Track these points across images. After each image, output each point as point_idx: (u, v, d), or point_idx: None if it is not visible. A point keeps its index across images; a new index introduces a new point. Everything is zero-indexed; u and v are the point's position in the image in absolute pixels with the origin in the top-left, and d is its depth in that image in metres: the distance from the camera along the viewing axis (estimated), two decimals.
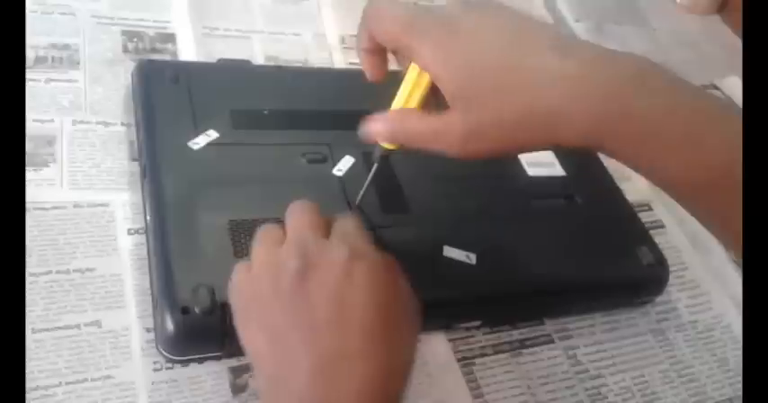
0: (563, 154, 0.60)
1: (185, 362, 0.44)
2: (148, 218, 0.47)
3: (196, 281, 0.42)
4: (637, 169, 0.35)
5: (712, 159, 0.33)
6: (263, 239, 0.39)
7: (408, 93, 0.39)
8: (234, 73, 0.58)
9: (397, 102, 0.40)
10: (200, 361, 0.44)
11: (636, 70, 0.34)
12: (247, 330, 0.36)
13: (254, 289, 0.36)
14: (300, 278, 0.35)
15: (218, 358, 0.44)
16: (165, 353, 0.43)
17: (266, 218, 0.47)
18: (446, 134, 0.36)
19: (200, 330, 0.42)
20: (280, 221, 0.40)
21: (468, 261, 0.50)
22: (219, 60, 0.60)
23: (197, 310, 0.41)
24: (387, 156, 0.43)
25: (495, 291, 0.50)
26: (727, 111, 0.34)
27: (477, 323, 0.51)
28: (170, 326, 0.41)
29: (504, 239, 0.53)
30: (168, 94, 0.53)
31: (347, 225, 0.39)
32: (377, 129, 0.40)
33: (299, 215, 0.39)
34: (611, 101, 0.33)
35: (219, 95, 0.55)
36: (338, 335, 0.34)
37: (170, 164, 0.49)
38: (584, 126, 0.33)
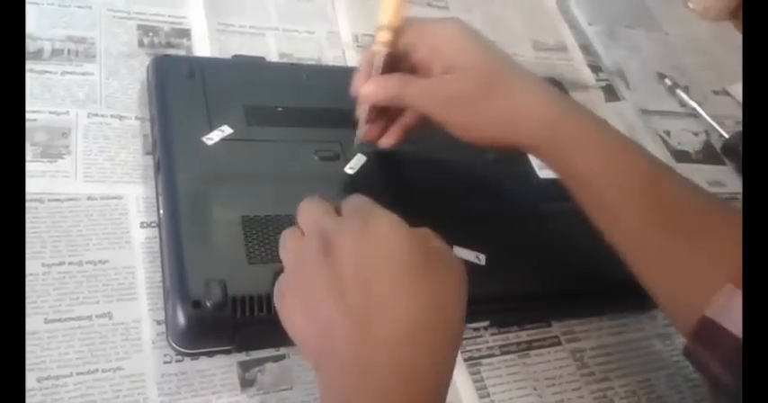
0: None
1: (195, 356, 0.44)
2: (161, 212, 0.47)
3: (208, 275, 0.43)
4: (568, 171, 0.44)
5: (640, 170, 0.41)
6: (286, 242, 0.40)
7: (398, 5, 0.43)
8: (248, 69, 0.59)
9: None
10: (211, 354, 0.44)
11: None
12: (289, 320, 0.37)
13: (288, 281, 0.38)
14: (324, 254, 0.36)
15: (228, 352, 0.44)
16: (175, 346, 0.43)
17: (278, 214, 0.47)
18: (437, 89, 0.44)
19: (211, 324, 0.42)
20: (292, 217, 0.41)
21: (477, 261, 0.50)
22: (234, 56, 0.60)
23: (208, 304, 0.41)
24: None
25: (503, 291, 0.50)
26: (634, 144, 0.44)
27: (486, 323, 0.52)
28: (181, 319, 0.41)
29: (514, 241, 0.53)
30: (183, 90, 0.53)
31: (355, 200, 0.40)
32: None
33: (309, 208, 0.41)
34: (573, 112, 0.43)
35: (234, 91, 0.55)
36: (365, 290, 0.34)
37: (184, 158, 0.49)
38: (544, 122, 0.42)
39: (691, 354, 0.37)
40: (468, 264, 0.50)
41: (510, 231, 0.53)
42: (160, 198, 0.48)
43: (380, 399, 0.33)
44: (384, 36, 0.44)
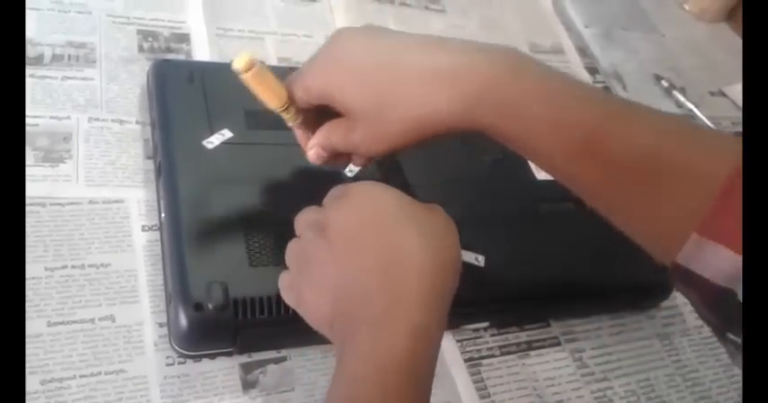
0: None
1: (197, 358, 0.44)
2: (163, 215, 0.47)
3: (209, 278, 0.43)
4: (509, 144, 0.39)
5: (573, 133, 0.37)
6: (287, 249, 0.41)
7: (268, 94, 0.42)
8: None
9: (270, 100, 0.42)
10: (213, 356, 0.45)
11: (507, 60, 0.38)
12: (303, 306, 0.40)
13: (293, 274, 0.41)
14: (320, 236, 0.39)
15: (230, 354, 0.45)
16: (177, 349, 0.43)
17: (279, 217, 0.48)
18: (347, 136, 0.42)
19: (212, 326, 0.42)
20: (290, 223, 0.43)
21: (476, 263, 0.50)
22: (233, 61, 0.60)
23: (210, 307, 0.42)
24: None
25: (503, 293, 0.51)
26: (590, 91, 0.38)
27: (485, 324, 0.52)
28: (183, 321, 0.42)
29: (513, 242, 0.53)
30: (183, 94, 0.54)
31: (333, 190, 0.43)
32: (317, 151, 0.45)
33: (301, 216, 0.43)
34: (481, 90, 0.37)
35: (234, 95, 0.55)
36: (349, 240, 0.38)
37: (185, 162, 0.49)
38: (456, 116, 0.38)
39: (676, 286, 0.37)
40: (467, 265, 0.50)
41: (508, 233, 0.54)
42: (161, 201, 0.48)
43: (359, 326, 0.35)
44: (285, 115, 0.43)
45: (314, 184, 0.51)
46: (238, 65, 0.40)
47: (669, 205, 0.35)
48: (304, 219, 0.42)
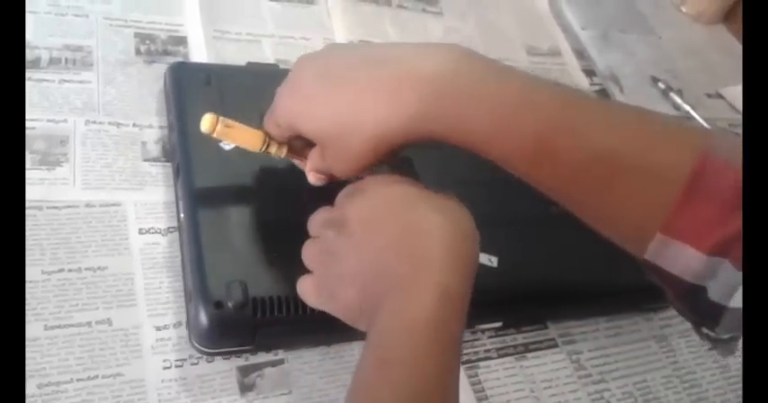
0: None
1: (217, 355, 0.45)
2: (182, 215, 0.48)
3: (229, 277, 0.44)
4: (467, 150, 0.39)
5: (524, 142, 0.37)
6: (304, 252, 0.42)
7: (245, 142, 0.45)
8: (263, 76, 0.59)
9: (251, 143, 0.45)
10: (231, 354, 0.45)
11: (451, 65, 0.37)
12: (333, 304, 0.40)
13: (315, 276, 0.41)
14: (341, 233, 0.39)
15: (249, 351, 0.45)
16: (198, 347, 0.44)
17: (296, 216, 0.48)
18: (326, 162, 0.43)
19: (232, 324, 0.43)
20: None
21: (490, 264, 0.51)
22: (248, 64, 0.61)
23: (230, 305, 0.42)
24: None
25: (517, 293, 0.51)
26: (538, 92, 0.37)
27: (499, 324, 0.52)
28: (204, 319, 0.42)
29: (524, 244, 0.53)
30: (200, 96, 0.54)
31: (347, 187, 0.43)
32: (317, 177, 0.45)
33: (314, 217, 0.43)
34: (425, 103, 0.37)
35: (249, 98, 0.55)
36: (368, 226, 0.39)
37: (203, 164, 0.50)
38: (409, 129, 0.38)
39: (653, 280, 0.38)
40: (480, 266, 0.50)
41: (520, 234, 0.54)
42: (180, 202, 0.49)
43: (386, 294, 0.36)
44: (270, 151, 0.45)
45: (331, 185, 0.52)
46: (204, 128, 0.42)
47: (632, 205, 0.35)
48: (318, 220, 0.42)
